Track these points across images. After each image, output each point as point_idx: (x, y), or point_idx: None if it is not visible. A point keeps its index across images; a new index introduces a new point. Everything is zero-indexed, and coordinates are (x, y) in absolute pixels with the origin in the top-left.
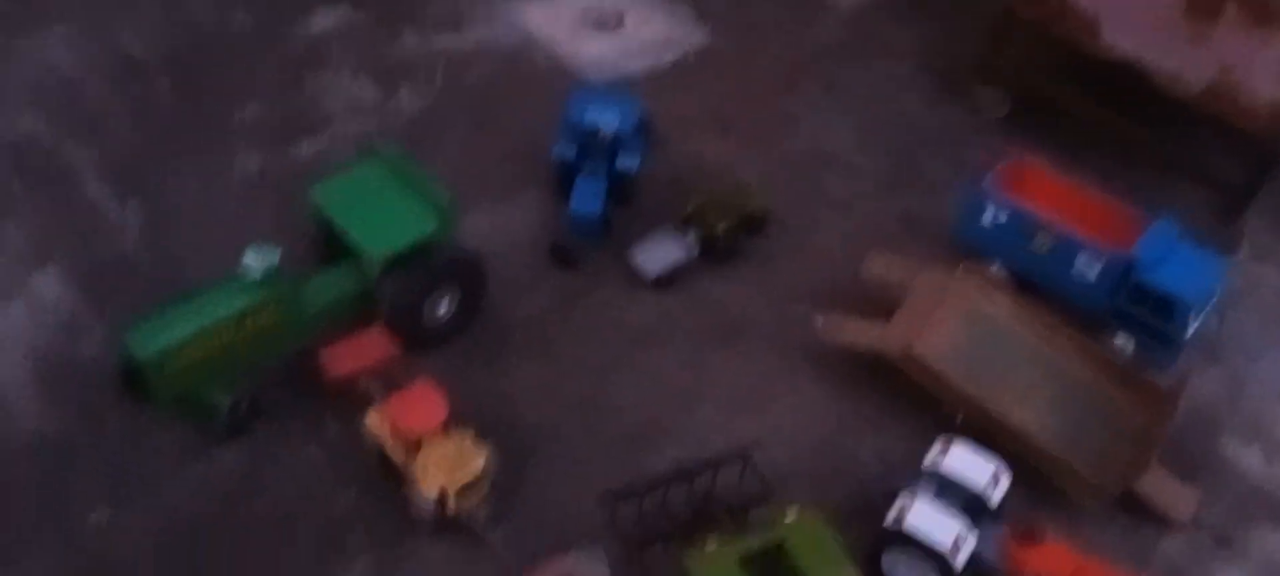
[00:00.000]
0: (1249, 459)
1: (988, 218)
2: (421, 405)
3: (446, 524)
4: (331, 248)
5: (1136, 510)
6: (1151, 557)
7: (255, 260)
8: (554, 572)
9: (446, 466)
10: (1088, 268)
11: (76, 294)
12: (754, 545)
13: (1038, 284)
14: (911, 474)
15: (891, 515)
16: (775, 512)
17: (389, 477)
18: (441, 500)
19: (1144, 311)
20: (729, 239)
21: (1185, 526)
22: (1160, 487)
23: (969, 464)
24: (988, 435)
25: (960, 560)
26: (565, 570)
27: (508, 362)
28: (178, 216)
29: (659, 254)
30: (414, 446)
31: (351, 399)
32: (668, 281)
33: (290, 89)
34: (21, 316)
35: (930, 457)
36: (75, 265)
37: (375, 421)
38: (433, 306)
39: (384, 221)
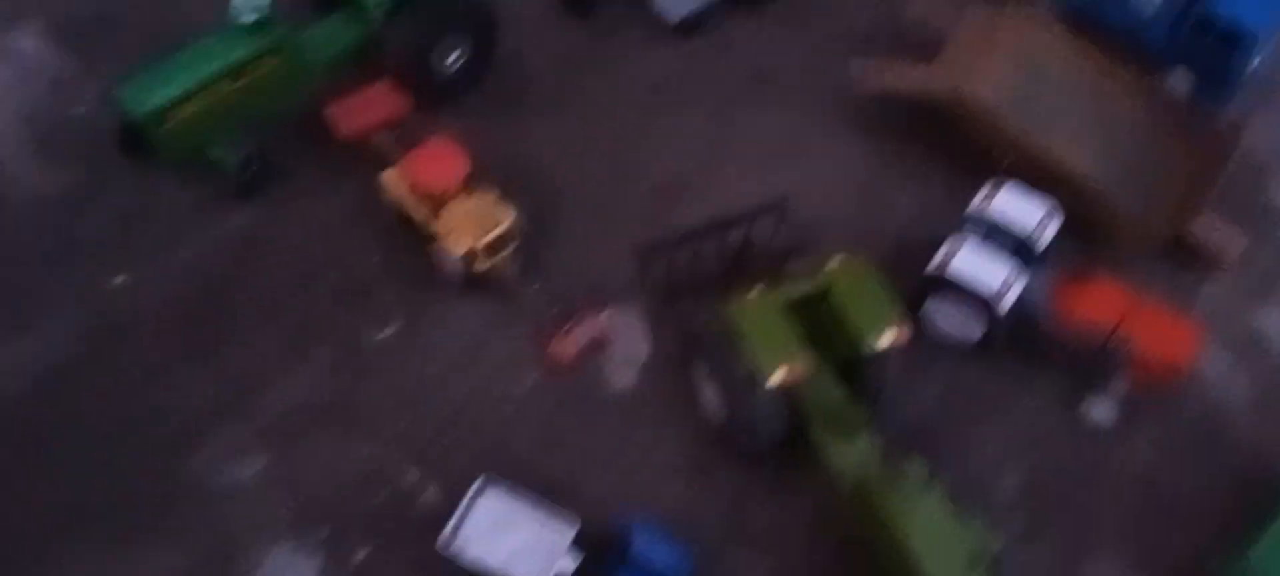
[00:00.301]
0: None
1: None
2: (441, 161)
3: (475, 281)
4: None
5: (1179, 255)
6: (1194, 301)
7: (247, 2)
8: (588, 328)
9: (472, 224)
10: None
11: (60, 50)
12: (798, 291)
13: (1090, 20)
14: (957, 220)
15: (936, 260)
16: (817, 261)
17: (412, 235)
18: (469, 258)
19: (1205, 45)
20: None
21: (1230, 270)
22: (1209, 231)
23: (1018, 206)
24: (1036, 180)
25: (1006, 304)
26: (599, 326)
27: (525, 117)
28: None
29: None
30: (436, 205)
31: (366, 157)
32: (692, 27)
33: None
34: (5, 76)
35: (977, 201)
36: (52, 19)
37: (393, 179)
38: (441, 56)
39: None
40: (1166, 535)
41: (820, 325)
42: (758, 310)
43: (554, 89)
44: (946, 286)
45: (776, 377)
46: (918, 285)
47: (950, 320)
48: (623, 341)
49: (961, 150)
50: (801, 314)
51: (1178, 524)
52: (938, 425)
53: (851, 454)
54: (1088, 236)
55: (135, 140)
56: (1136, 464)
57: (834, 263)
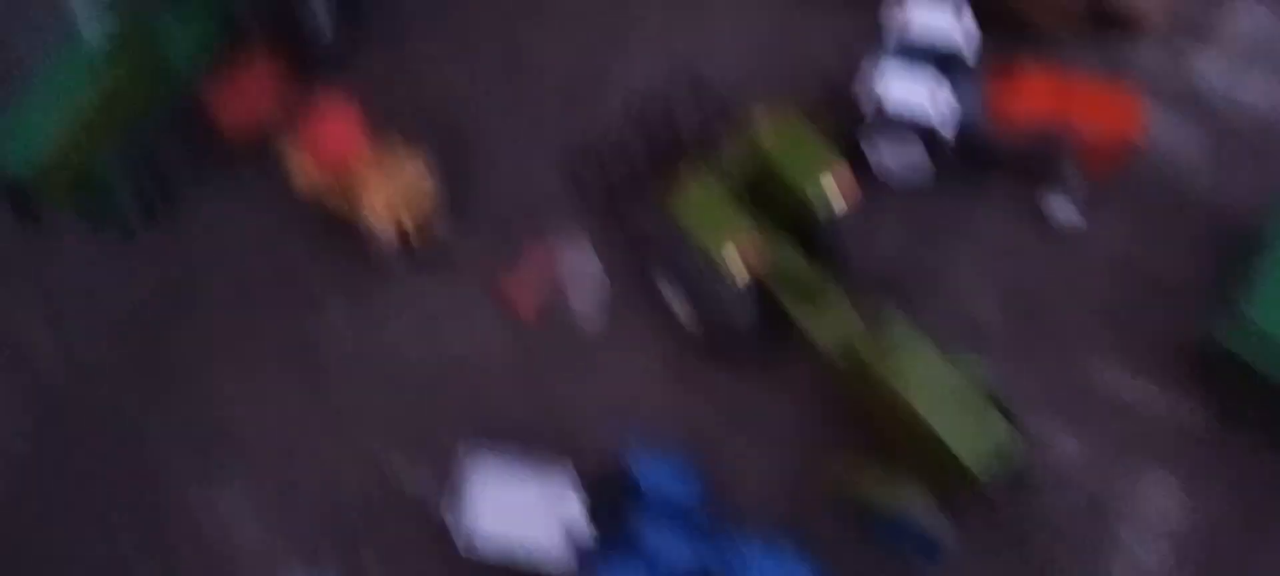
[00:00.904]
0: None
1: None
2: (337, 127)
3: (412, 249)
4: None
5: (1100, 25)
6: (1127, 71)
7: (93, 3)
8: (541, 266)
9: (393, 194)
10: None
11: None
12: (734, 168)
13: None
14: (874, 48)
15: (866, 100)
16: (742, 126)
17: (336, 217)
18: (399, 229)
19: None
20: None
21: (1156, 28)
22: None
23: (930, 18)
24: None
25: (948, 126)
26: (550, 259)
27: (411, 55)
28: None
29: None
30: (349, 178)
31: (263, 144)
32: None
33: None
34: None
35: (890, 24)
36: None
37: (297, 161)
38: (309, 13)
39: None
40: (1156, 316)
41: (767, 195)
42: (699, 199)
43: (432, 13)
44: (885, 123)
45: (732, 263)
46: (851, 127)
47: (895, 156)
48: (577, 268)
49: None
50: (749, 189)
51: (1164, 302)
52: (906, 266)
53: (831, 321)
54: (1004, 26)
55: (19, 197)
56: (1109, 252)
57: (758, 123)
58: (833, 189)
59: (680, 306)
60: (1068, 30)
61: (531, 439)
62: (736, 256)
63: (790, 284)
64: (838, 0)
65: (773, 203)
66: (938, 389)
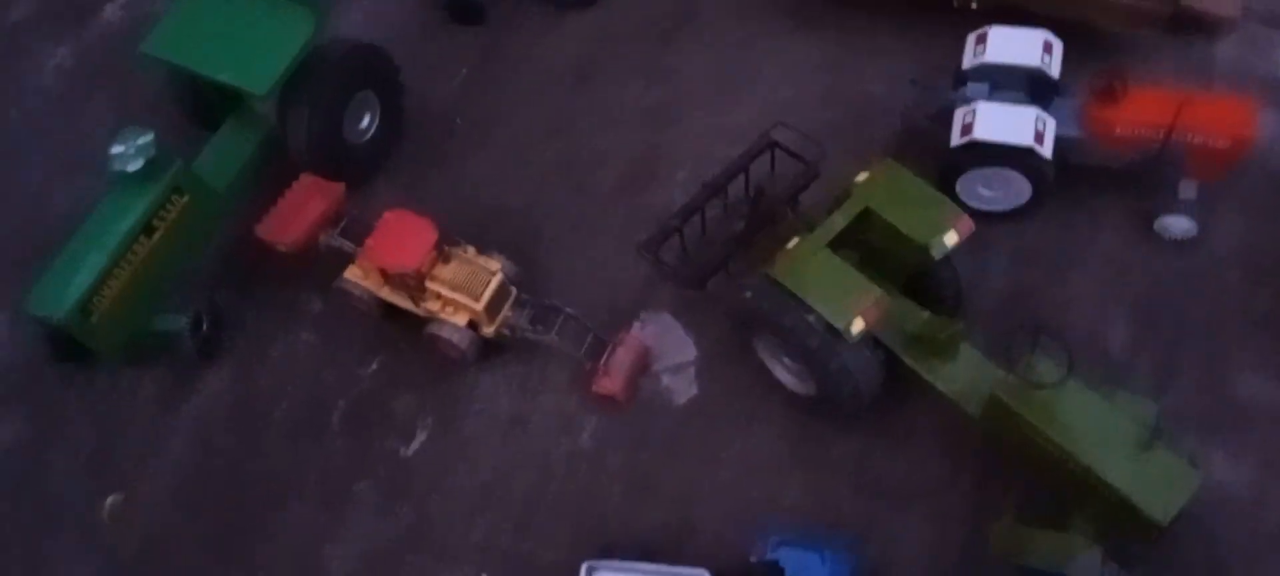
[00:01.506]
0: None
1: None
2: (404, 237)
3: (488, 349)
4: (201, 105)
5: (1181, 30)
6: (1213, 69)
7: (127, 147)
8: (627, 350)
9: (464, 290)
10: None
11: None
12: (837, 224)
13: None
14: (947, 84)
15: (956, 132)
16: (839, 180)
17: (401, 326)
18: (474, 327)
19: None
20: None
21: (1234, 24)
22: None
23: (1014, 42)
24: (1009, 10)
25: (1048, 148)
26: (636, 343)
27: (459, 153)
28: (2, 160)
29: None
30: (416, 284)
31: (319, 263)
32: None
33: None
34: None
35: (968, 56)
36: None
37: (359, 276)
38: (353, 123)
39: (252, 45)
40: None
41: (869, 249)
42: (805, 260)
43: (475, 109)
44: (977, 154)
45: (857, 325)
46: (943, 164)
47: (992, 188)
48: (666, 349)
49: (917, 11)
50: (847, 245)
51: None
52: (1021, 299)
53: (959, 372)
54: (1085, 41)
55: (67, 347)
56: (1232, 258)
57: (860, 177)
58: (954, 236)
59: (790, 377)
60: (1145, 36)
61: (654, 544)
62: (859, 318)
63: (912, 339)
64: (889, 40)
65: (880, 254)
66: (1098, 430)
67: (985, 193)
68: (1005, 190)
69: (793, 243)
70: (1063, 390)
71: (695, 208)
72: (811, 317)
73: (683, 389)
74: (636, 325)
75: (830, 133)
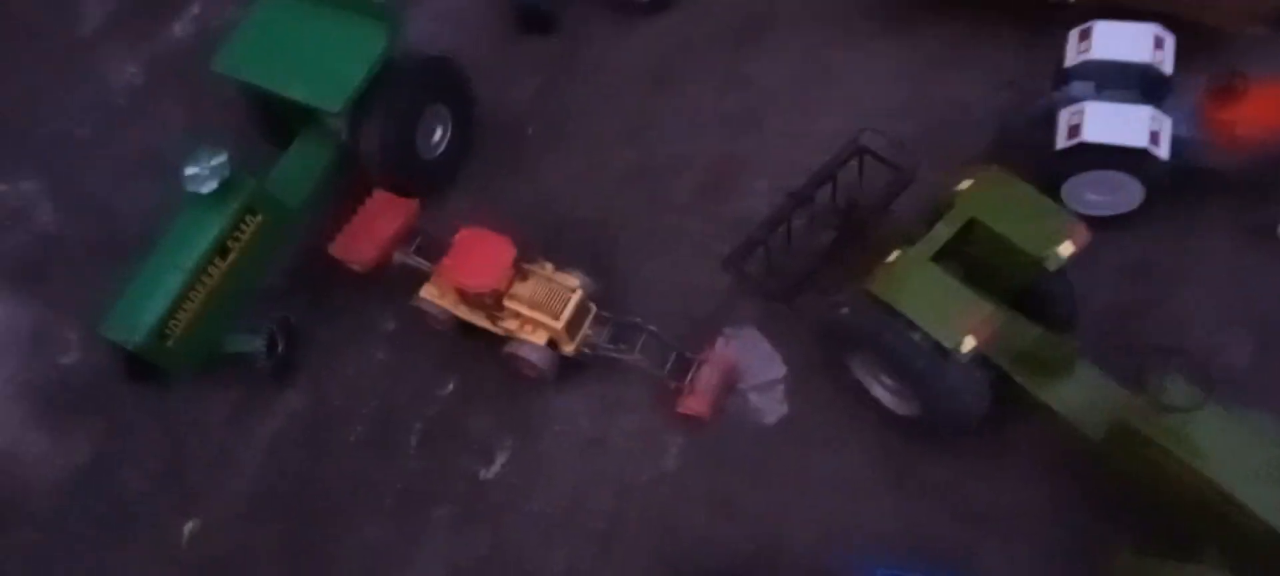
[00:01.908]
0: None
1: None
2: (481, 254)
3: (569, 366)
4: (273, 120)
5: None
6: None
7: (201, 168)
8: (713, 368)
9: (543, 307)
10: None
11: (18, 302)
12: (941, 234)
13: None
14: (1044, 85)
15: (1062, 134)
16: (942, 193)
17: (478, 345)
18: (553, 345)
19: None
20: None
21: None
22: None
23: (1122, 37)
24: (1106, 7)
25: (1164, 150)
26: (722, 360)
27: (535, 165)
28: (74, 173)
29: None
30: (494, 304)
31: (394, 280)
32: None
33: None
34: None
35: (1071, 53)
36: None
37: (435, 294)
38: (425, 137)
39: (324, 60)
40: None
41: (973, 261)
42: (908, 275)
43: (551, 121)
44: (1085, 157)
45: (968, 344)
46: (1048, 169)
47: (1100, 193)
48: (753, 366)
49: (995, 12)
50: (947, 258)
51: None
52: (1138, 317)
53: (1075, 392)
54: (1189, 35)
55: (142, 369)
56: None
57: (962, 185)
58: (1069, 247)
59: (890, 397)
60: (1253, 32)
61: (741, 571)
62: (970, 336)
63: (1023, 357)
64: (976, 42)
65: (985, 267)
66: (1241, 457)
67: (1092, 197)
68: (1114, 194)
69: (892, 256)
70: (1200, 415)
71: (781, 218)
72: (917, 336)
73: (772, 408)
74: (721, 341)
75: (917, 139)
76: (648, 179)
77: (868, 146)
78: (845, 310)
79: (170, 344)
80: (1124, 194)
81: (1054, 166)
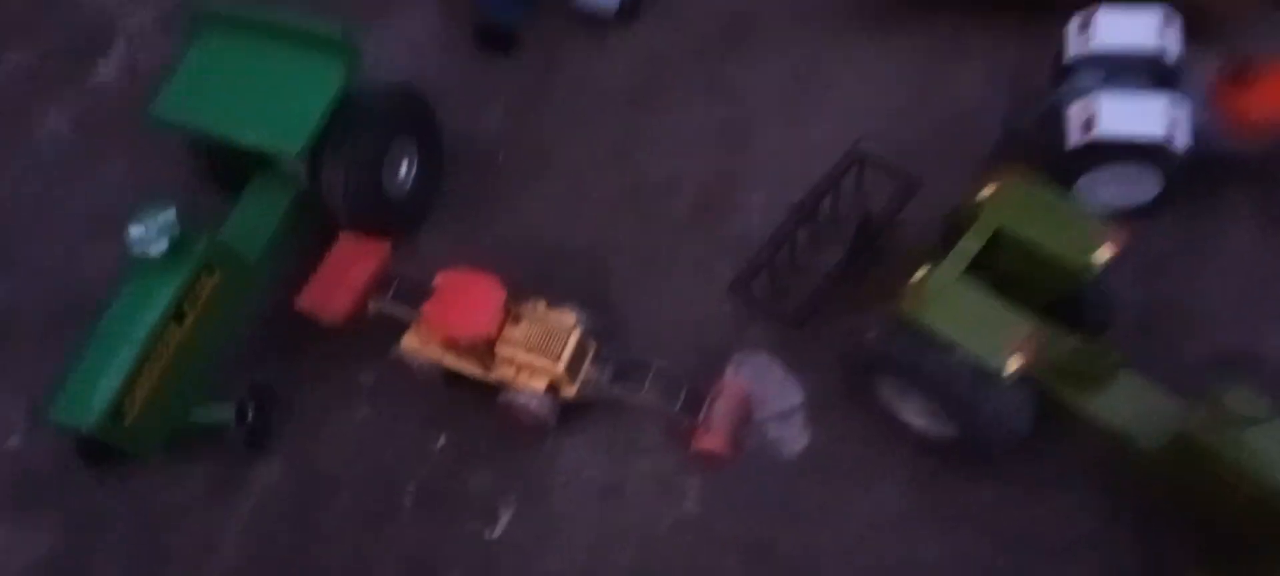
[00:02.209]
0: None
1: None
2: (467, 298)
3: (571, 410)
4: (221, 167)
5: None
6: None
7: (147, 228)
8: (726, 401)
9: (539, 350)
10: None
11: None
12: (970, 247)
13: None
14: (1049, 79)
15: (1074, 130)
16: (963, 202)
17: (468, 394)
18: (553, 390)
19: None
20: None
21: None
22: None
23: (1126, 23)
24: None
25: (1183, 139)
26: (735, 392)
27: (511, 195)
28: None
29: None
30: (486, 350)
31: (370, 331)
32: (633, 7)
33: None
34: None
35: (1072, 44)
36: None
37: (417, 343)
38: (391, 173)
39: (276, 100)
40: None
41: (1003, 273)
42: (939, 292)
43: (527, 147)
44: (1100, 154)
45: (1014, 364)
46: (1061, 166)
47: (1115, 186)
48: (769, 395)
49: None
50: (984, 269)
51: None
52: (1166, 315)
53: (1123, 404)
54: (1200, 26)
55: (100, 451)
56: None
57: (984, 192)
58: (1107, 252)
59: (922, 420)
60: (1248, 15)
61: None
62: (1015, 356)
63: (1065, 372)
64: (970, 40)
65: (1015, 278)
66: None
67: (1106, 192)
68: (1130, 187)
69: (919, 274)
70: (1270, 426)
71: (785, 236)
72: (954, 358)
73: (793, 438)
74: (731, 369)
75: (917, 144)
76: (638, 201)
77: (868, 154)
78: (872, 335)
79: (128, 423)
80: (1140, 186)
81: (1067, 164)
